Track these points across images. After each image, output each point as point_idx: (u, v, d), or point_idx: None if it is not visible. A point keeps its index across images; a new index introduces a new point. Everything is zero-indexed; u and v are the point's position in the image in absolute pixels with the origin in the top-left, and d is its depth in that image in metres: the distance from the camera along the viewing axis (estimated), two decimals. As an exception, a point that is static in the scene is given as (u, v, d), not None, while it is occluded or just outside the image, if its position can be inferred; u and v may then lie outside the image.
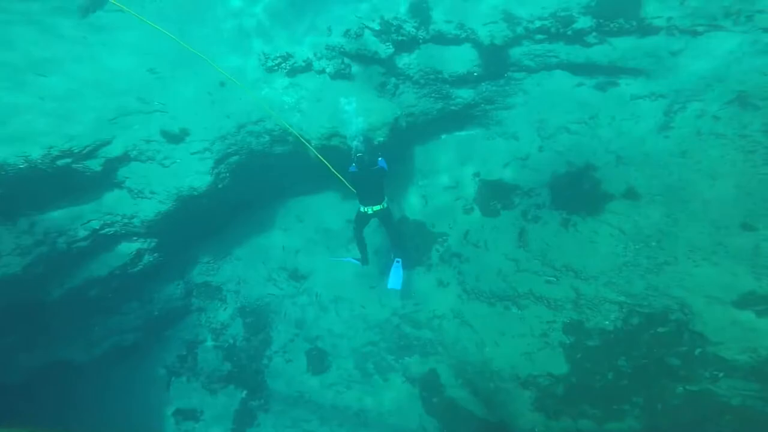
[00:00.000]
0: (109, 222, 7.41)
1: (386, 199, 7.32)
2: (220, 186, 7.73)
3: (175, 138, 7.50)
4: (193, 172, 7.48)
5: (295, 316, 9.37)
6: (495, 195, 8.20)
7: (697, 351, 5.77)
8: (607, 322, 6.48)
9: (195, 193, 7.47)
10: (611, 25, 7.61)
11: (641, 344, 6.17)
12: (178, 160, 7.52)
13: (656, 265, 6.39)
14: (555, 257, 7.26)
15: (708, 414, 5.60)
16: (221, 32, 8.44)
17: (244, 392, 8.96)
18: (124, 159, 7.37)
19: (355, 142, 7.11)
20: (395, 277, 7.80)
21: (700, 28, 7.33)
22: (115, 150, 7.23)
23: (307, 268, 9.42)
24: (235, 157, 7.91)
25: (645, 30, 7.56)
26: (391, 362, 8.62)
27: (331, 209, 9.60)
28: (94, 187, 7.30)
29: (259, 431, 8.72)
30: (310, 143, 7.55)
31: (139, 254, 7.83)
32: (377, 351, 8.74)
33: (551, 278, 7.21)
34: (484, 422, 7.47)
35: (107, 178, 7.35)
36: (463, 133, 9.03)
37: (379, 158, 7.24)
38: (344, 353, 8.96)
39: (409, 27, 7.84)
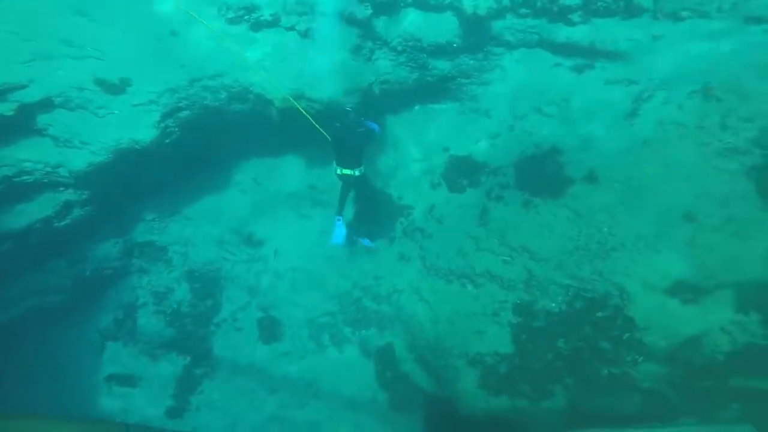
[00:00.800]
0: (27, 170, 6.58)
1: (362, 166, 7.01)
2: (167, 141, 7.13)
3: (114, 88, 6.77)
4: (135, 125, 6.84)
5: (248, 284, 9.02)
6: (463, 171, 8.02)
7: (626, 336, 6.00)
8: (553, 305, 6.60)
9: (137, 146, 6.85)
10: (599, 4, 7.33)
11: (580, 327, 6.32)
12: (116, 111, 6.82)
13: (604, 251, 6.44)
14: (513, 237, 7.23)
15: (622, 395, 5.94)
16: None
17: (188, 359, 8.60)
18: (46, 105, 6.51)
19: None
20: (338, 233, 7.73)
21: (684, 13, 7.14)
22: (32, 95, 6.35)
23: (263, 233, 9.01)
24: (186, 112, 7.28)
25: (631, 11, 7.30)
26: (347, 334, 8.53)
27: (293, 173, 9.15)
28: (5, 132, 6.42)
29: (203, 398, 8.47)
30: (296, 102, 6.93)
31: (67, 206, 7.07)
32: (334, 322, 8.60)
33: (507, 258, 7.25)
34: (434, 397, 7.57)
35: (23, 125, 6.48)
36: (437, 106, 8.69)
37: (369, 121, 6.88)
38: (299, 323, 8.77)
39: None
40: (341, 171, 7.05)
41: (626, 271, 6.21)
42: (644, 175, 6.58)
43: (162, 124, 6.98)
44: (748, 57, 6.58)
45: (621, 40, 7.49)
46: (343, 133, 6.81)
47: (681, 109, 6.76)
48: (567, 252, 6.71)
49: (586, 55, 7.79)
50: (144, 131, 6.88)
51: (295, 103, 6.78)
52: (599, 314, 6.27)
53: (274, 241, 8.99)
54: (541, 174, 7.38)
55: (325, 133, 6.99)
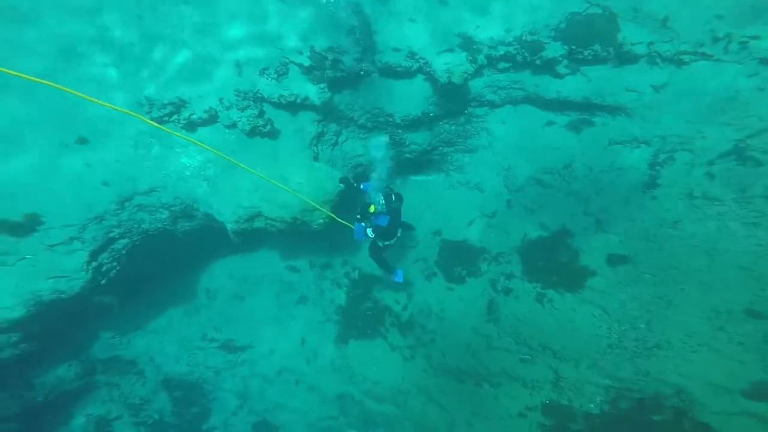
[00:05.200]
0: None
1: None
2: (103, 282, 5.65)
3: (18, 228, 5.18)
4: (56, 271, 5.31)
5: (237, 389, 7.78)
6: (459, 259, 6.79)
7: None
8: (591, 405, 5.79)
9: (64, 296, 5.36)
10: (585, 53, 6.13)
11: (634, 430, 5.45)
12: (28, 256, 5.28)
13: (646, 349, 5.62)
14: (530, 335, 6.32)
15: None
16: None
17: None
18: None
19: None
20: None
21: (686, 57, 5.98)
22: None
23: (245, 338, 7.71)
24: (124, 241, 5.80)
25: (623, 58, 6.16)
26: (353, 436, 7.34)
27: (268, 263, 7.85)
28: None
29: None
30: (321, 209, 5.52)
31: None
32: (338, 426, 7.41)
33: (526, 357, 6.31)
34: None
35: None
36: (420, 177, 7.41)
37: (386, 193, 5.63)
38: (299, 428, 7.57)
39: (349, 59, 5.90)
40: (391, 242, 5.87)
41: (679, 370, 5.33)
42: (682, 265, 5.57)
43: (93, 264, 5.49)
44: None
45: (619, 92, 6.28)
46: (390, 224, 5.59)
47: (711, 177, 5.66)
48: (599, 350, 5.84)
49: (582, 109, 6.57)
50: (70, 277, 5.38)
51: (342, 221, 5.61)
52: (656, 417, 5.36)
53: (257, 345, 7.73)
54: (553, 263, 6.27)
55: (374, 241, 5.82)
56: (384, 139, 6.17)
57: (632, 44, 6.09)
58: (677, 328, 5.44)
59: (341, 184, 5.62)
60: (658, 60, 6.11)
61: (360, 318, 7.27)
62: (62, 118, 5.48)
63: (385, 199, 5.51)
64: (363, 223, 5.68)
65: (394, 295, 7.17)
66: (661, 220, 5.75)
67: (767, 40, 5.63)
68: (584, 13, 6.15)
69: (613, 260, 6.03)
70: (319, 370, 7.43)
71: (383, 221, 5.58)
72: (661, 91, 6.14)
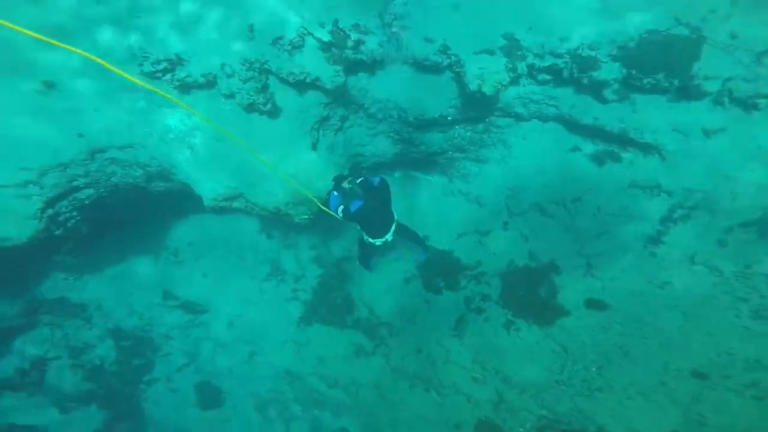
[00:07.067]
0: None
1: (394, 223, 5.31)
2: (57, 232, 5.26)
3: None
4: (2, 215, 4.84)
5: (187, 349, 7.92)
6: (440, 269, 6.62)
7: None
8: (521, 429, 6.22)
9: (8, 243, 4.98)
10: (645, 81, 5.29)
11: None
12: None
13: (589, 390, 5.89)
14: (488, 357, 6.50)
15: None
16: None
17: (110, 413, 7.71)
18: None
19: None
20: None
21: (762, 101, 5.04)
22: None
23: (205, 302, 7.65)
24: (89, 191, 5.32)
25: (686, 92, 5.26)
26: (296, 412, 7.76)
27: (246, 229, 7.52)
28: None
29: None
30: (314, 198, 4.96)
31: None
32: (283, 399, 7.77)
33: (479, 376, 6.58)
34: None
35: None
36: (420, 174, 6.89)
37: (372, 180, 5.07)
38: (241, 393, 7.91)
39: (374, 42, 5.02)
40: (382, 240, 5.31)
41: (611, 412, 5.67)
42: (657, 322, 5.58)
43: (47, 213, 4.98)
44: None
45: (664, 130, 5.49)
46: (368, 207, 4.97)
47: (723, 245, 5.33)
48: (546, 384, 6.08)
49: (614, 141, 5.97)
50: (18, 225, 4.88)
51: (325, 209, 5.05)
52: (570, 446, 5.84)
53: (219, 308, 7.69)
54: (531, 295, 6.16)
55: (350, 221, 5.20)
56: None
57: (706, 78, 5.12)
58: (624, 376, 5.66)
59: (333, 183, 5.12)
60: (726, 100, 5.18)
61: (328, 304, 7.21)
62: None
63: (361, 184, 4.91)
64: (337, 193, 5.06)
65: (368, 289, 7.05)
66: (652, 277, 5.58)
67: None
68: (665, 33, 5.10)
69: (591, 304, 5.96)
70: (277, 346, 7.48)
71: (355, 205, 4.92)
72: (712, 137, 5.34)
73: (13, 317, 6.98)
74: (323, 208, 5.05)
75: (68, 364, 7.51)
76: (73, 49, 2.72)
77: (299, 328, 7.42)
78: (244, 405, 7.85)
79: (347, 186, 4.98)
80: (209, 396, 7.94)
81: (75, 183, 5.16)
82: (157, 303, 7.56)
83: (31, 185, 4.87)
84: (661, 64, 5.24)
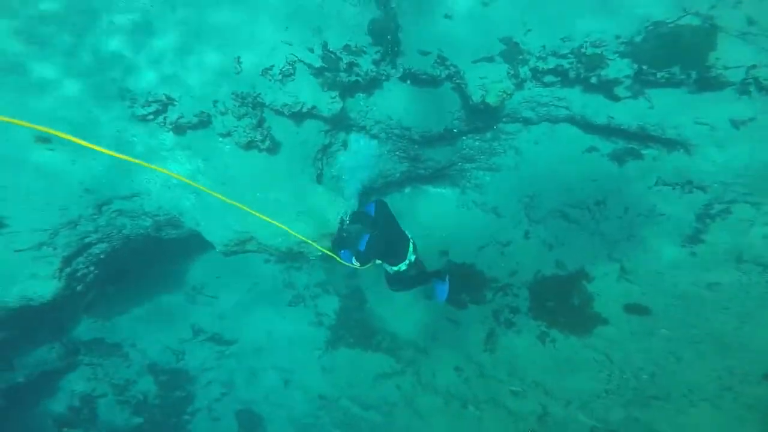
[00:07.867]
0: None
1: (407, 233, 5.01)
2: (78, 288, 5.35)
3: None
4: (25, 277, 4.91)
5: (222, 379, 7.98)
6: (464, 284, 6.40)
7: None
8: None
9: (33, 303, 5.04)
10: (659, 75, 4.91)
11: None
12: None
13: (643, 398, 5.59)
14: (525, 370, 6.21)
15: None
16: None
17: None
18: None
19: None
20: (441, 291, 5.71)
21: None
22: None
23: (233, 333, 7.69)
24: (103, 245, 5.40)
25: (706, 83, 4.84)
26: (336, 437, 7.65)
27: (259, 258, 7.53)
28: None
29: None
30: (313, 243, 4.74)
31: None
32: (321, 424, 7.68)
33: (517, 389, 6.29)
34: None
35: None
36: (431, 188, 6.66)
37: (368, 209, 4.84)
38: (280, 419, 7.88)
39: (367, 62, 4.89)
40: (401, 267, 4.95)
41: (673, 420, 5.43)
42: (706, 324, 5.20)
43: (66, 271, 5.06)
44: None
45: (686, 123, 5.09)
46: (381, 238, 4.66)
47: None
48: (594, 394, 5.82)
49: (633, 138, 5.59)
50: (40, 284, 4.93)
51: (331, 253, 4.89)
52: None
53: (246, 339, 7.72)
54: (563, 305, 5.83)
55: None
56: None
57: (726, 68, 4.71)
58: (681, 383, 5.40)
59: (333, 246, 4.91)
60: (752, 89, 4.75)
61: (353, 327, 7.10)
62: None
63: (356, 217, 4.71)
64: (344, 251, 4.86)
65: (390, 310, 6.89)
66: (696, 279, 5.16)
67: None
68: (671, 24, 4.74)
69: (631, 309, 5.59)
70: (307, 372, 7.41)
71: (362, 243, 4.68)
72: (742, 128, 4.90)
73: (54, 360, 7.23)
74: (340, 260, 4.81)
75: (115, 401, 7.81)
76: (74, 139, 2.44)
77: (326, 352, 7.32)
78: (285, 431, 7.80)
79: (345, 234, 4.81)
80: (250, 424, 7.95)
81: (87, 240, 5.23)
82: (188, 338, 7.65)
83: (45, 246, 4.93)
84: (673, 57, 4.85)
